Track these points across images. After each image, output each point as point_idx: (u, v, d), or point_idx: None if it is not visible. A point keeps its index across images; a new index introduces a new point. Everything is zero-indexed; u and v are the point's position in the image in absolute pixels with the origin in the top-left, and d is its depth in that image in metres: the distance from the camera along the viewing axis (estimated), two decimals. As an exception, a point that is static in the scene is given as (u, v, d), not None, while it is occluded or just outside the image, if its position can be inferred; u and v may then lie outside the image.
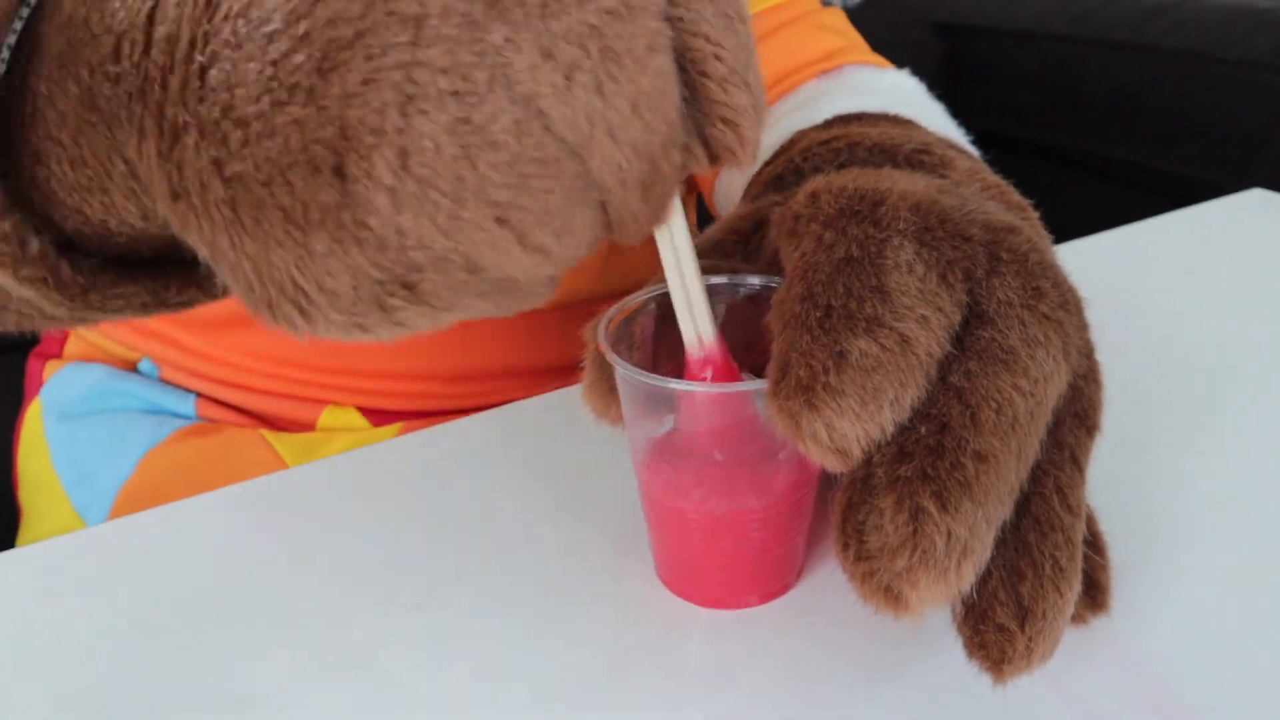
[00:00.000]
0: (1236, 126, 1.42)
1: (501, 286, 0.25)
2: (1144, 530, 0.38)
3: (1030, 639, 0.27)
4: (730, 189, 0.56)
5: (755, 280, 0.36)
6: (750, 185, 0.43)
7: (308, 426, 0.58)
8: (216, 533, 0.41)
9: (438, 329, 0.26)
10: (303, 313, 0.24)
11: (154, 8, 0.24)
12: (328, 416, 0.58)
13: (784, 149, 0.43)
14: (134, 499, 0.56)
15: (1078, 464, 0.30)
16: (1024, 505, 0.28)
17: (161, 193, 0.24)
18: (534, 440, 0.46)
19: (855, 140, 0.40)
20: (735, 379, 0.32)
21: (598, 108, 0.22)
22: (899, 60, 0.60)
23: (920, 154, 0.38)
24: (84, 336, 0.65)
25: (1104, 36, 1.58)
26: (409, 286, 0.24)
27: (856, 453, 0.27)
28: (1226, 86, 1.42)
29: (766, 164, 0.43)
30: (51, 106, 0.25)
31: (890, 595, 0.26)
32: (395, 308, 0.24)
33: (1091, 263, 0.62)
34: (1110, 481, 0.41)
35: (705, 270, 0.35)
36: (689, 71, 0.24)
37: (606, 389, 0.34)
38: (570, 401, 0.48)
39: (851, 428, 0.26)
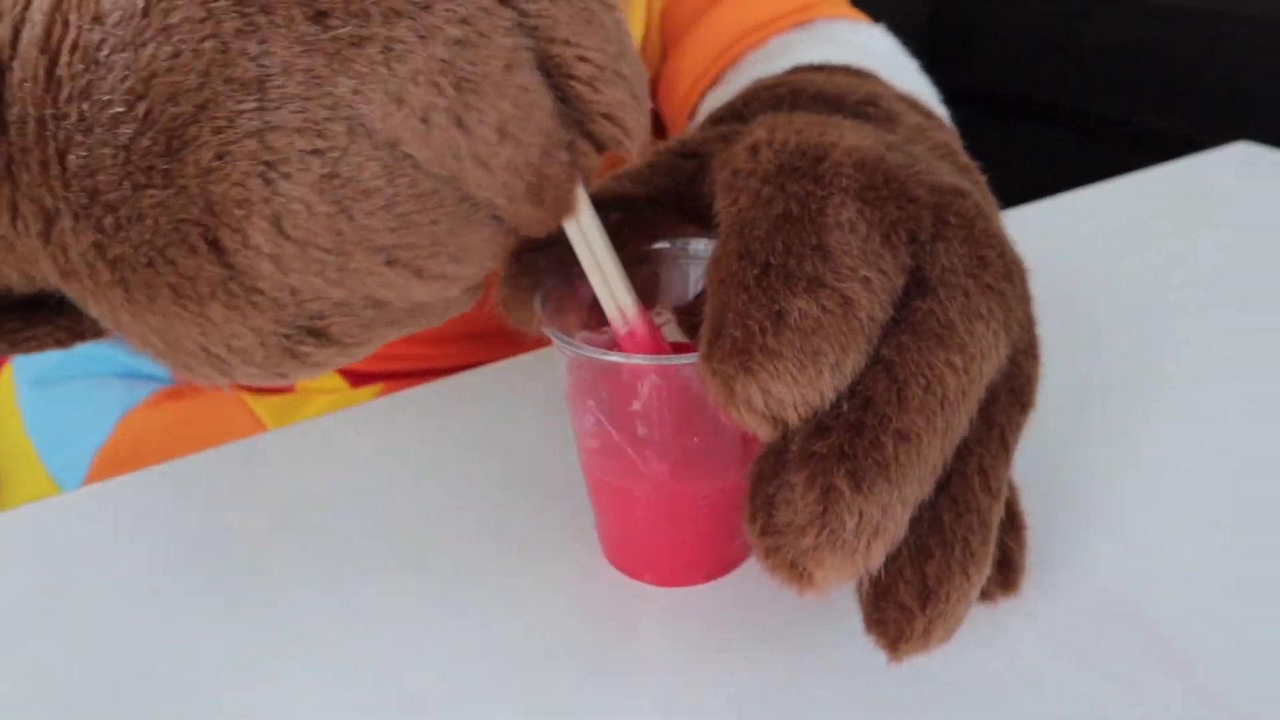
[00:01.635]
0: (1231, 83, 1.41)
1: (414, 312, 0.26)
2: (1117, 459, 0.38)
3: (930, 620, 0.26)
4: None
5: (700, 243, 0.34)
6: (697, 128, 0.41)
7: (286, 388, 0.57)
8: (198, 496, 0.40)
9: (359, 360, 0.27)
10: (220, 370, 0.25)
11: (1, 87, 0.23)
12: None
13: (731, 99, 0.41)
14: (111, 463, 0.55)
15: (1005, 443, 0.29)
16: (944, 482, 0.27)
17: (51, 272, 0.24)
18: (515, 402, 0.45)
19: (800, 88, 0.38)
20: (657, 345, 0.31)
21: (461, 143, 0.22)
22: (885, 15, 0.59)
23: (866, 105, 0.37)
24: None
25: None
26: (317, 334, 0.24)
27: (793, 421, 0.25)
28: (1220, 42, 1.41)
29: (712, 112, 0.41)
30: None
31: (795, 571, 0.25)
32: (307, 354, 0.25)
33: (1070, 219, 0.62)
34: (1088, 412, 0.40)
35: (644, 227, 0.34)
36: (555, 77, 0.24)
37: (523, 297, 0.33)
38: (549, 362, 0.48)
39: (789, 393, 0.25)
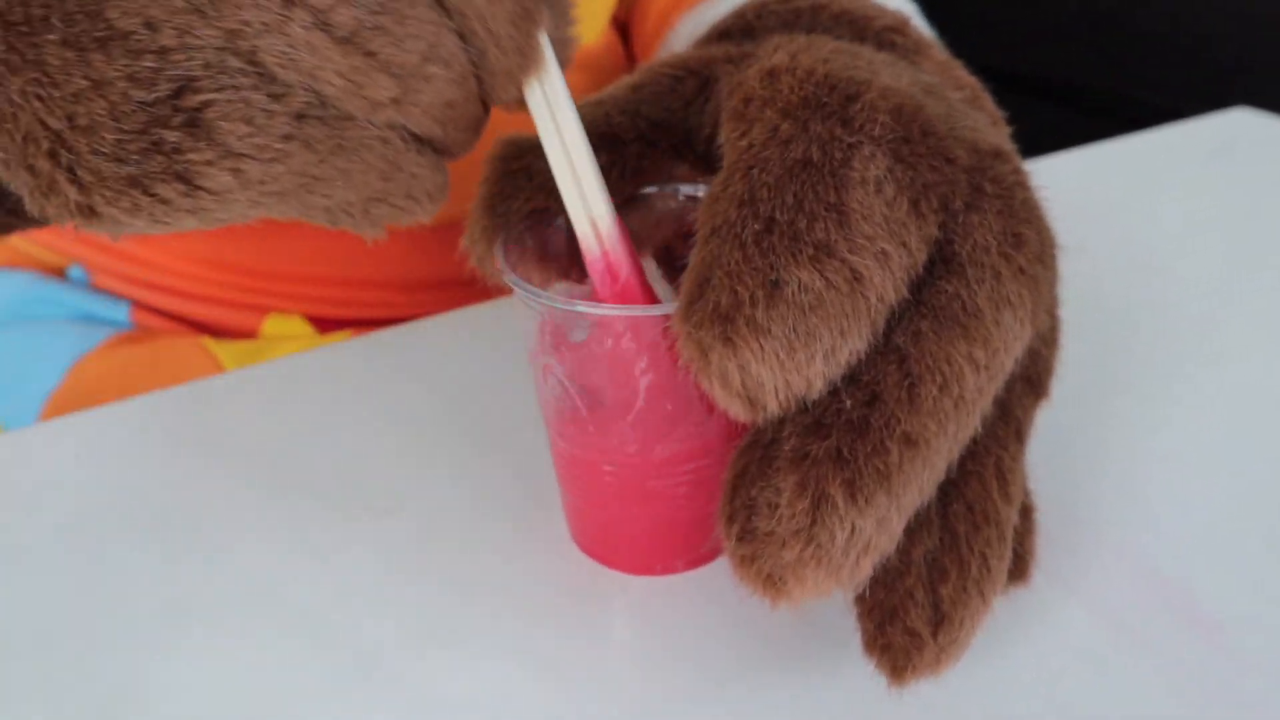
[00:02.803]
0: (1214, 52, 1.40)
1: (341, 145, 0.21)
2: (1155, 442, 0.36)
3: (942, 649, 0.23)
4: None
5: (690, 187, 0.31)
6: (696, 45, 0.36)
7: (251, 334, 0.55)
8: (155, 436, 0.38)
9: (263, 210, 0.21)
10: (71, 178, 0.19)
11: None
12: (272, 324, 0.54)
13: (738, 10, 0.36)
14: (63, 409, 0.52)
15: (1021, 440, 0.27)
16: (957, 486, 0.24)
17: None
18: (488, 349, 0.43)
19: (821, 3, 0.33)
20: (642, 288, 0.26)
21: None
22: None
23: (894, 32, 0.33)
24: (5, 242, 0.60)
25: (1078, -39, 1.55)
26: (191, 123, 0.19)
27: (772, 406, 0.22)
28: (1203, 10, 1.40)
29: (714, 25, 0.37)
30: None
31: (771, 583, 0.22)
32: (179, 157, 0.19)
33: (1068, 179, 0.60)
34: (1121, 390, 0.39)
35: (633, 172, 0.30)
36: None
37: (490, 246, 0.29)
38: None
39: (771, 376, 0.21)
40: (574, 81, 0.54)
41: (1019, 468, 0.26)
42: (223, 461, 0.36)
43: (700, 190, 0.31)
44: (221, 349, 0.53)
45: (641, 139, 0.30)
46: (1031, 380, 0.28)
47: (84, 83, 0.19)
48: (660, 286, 0.32)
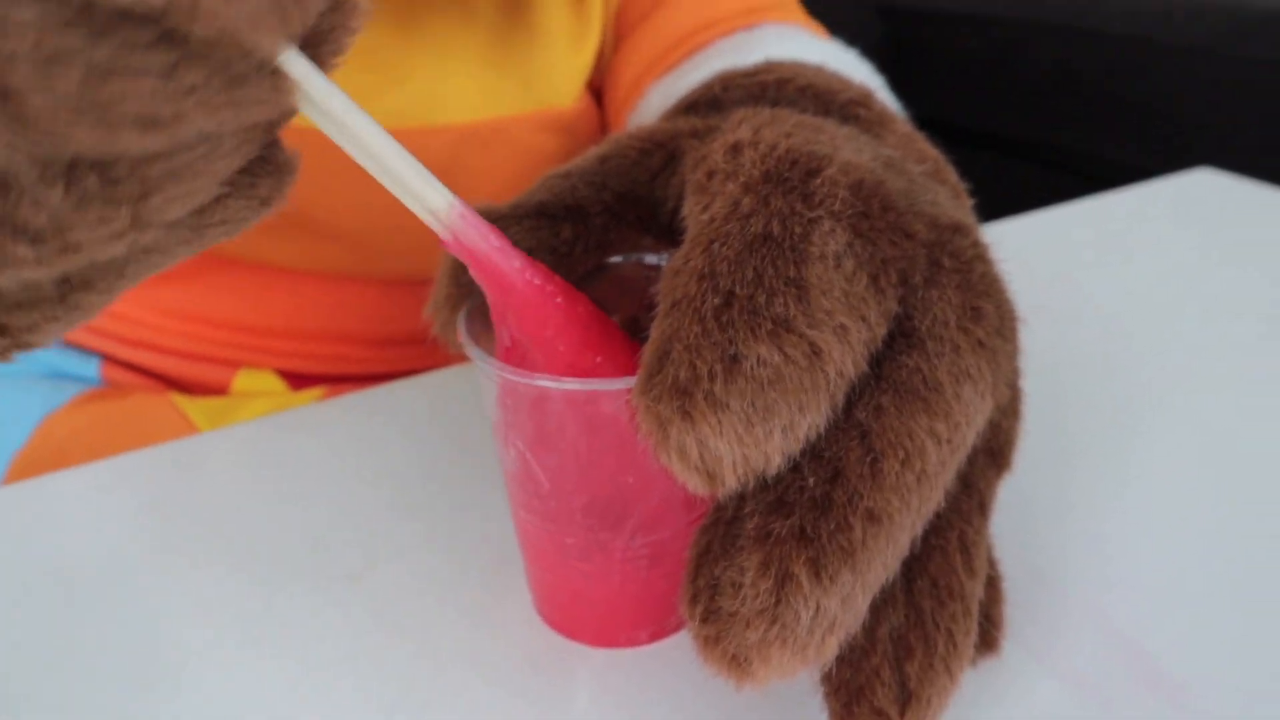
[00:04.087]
0: (1178, 113, 1.43)
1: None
2: (1119, 503, 0.37)
3: None
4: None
5: (655, 257, 0.31)
6: (663, 118, 0.37)
7: (221, 390, 0.54)
8: (123, 498, 0.38)
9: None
10: None
11: None
12: (243, 380, 0.54)
13: (705, 83, 0.36)
14: (30, 468, 0.52)
15: (984, 512, 0.27)
16: (921, 561, 0.24)
17: None
18: (459, 409, 0.43)
19: (785, 77, 0.34)
20: (551, 295, 0.25)
21: None
22: (836, 40, 0.58)
23: (858, 105, 0.33)
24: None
25: (1044, 20, 1.59)
26: None
27: (730, 481, 0.21)
28: (1168, 73, 1.43)
29: (682, 98, 0.37)
30: None
31: (736, 663, 0.21)
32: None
33: (1032, 239, 0.61)
34: (1084, 451, 0.39)
35: (599, 245, 0.29)
36: None
37: (453, 317, 0.28)
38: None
39: (730, 451, 0.21)
40: (552, 144, 0.54)
41: (983, 540, 0.26)
42: (190, 526, 0.36)
43: (665, 261, 0.31)
44: (192, 406, 0.52)
45: (608, 211, 0.30)
46: (993, 452, 0.28)
47: None
48: None
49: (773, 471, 0.22)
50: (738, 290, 0.22)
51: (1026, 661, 0.29)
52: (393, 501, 0.37)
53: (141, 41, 0.17)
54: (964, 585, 0.24)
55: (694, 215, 0.26)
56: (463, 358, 0.46)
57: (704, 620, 0.22)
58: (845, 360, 0.22)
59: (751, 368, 0.21)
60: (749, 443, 0.21)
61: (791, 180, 0.25)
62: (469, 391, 0.44)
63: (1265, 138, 1.35)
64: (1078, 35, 1.54)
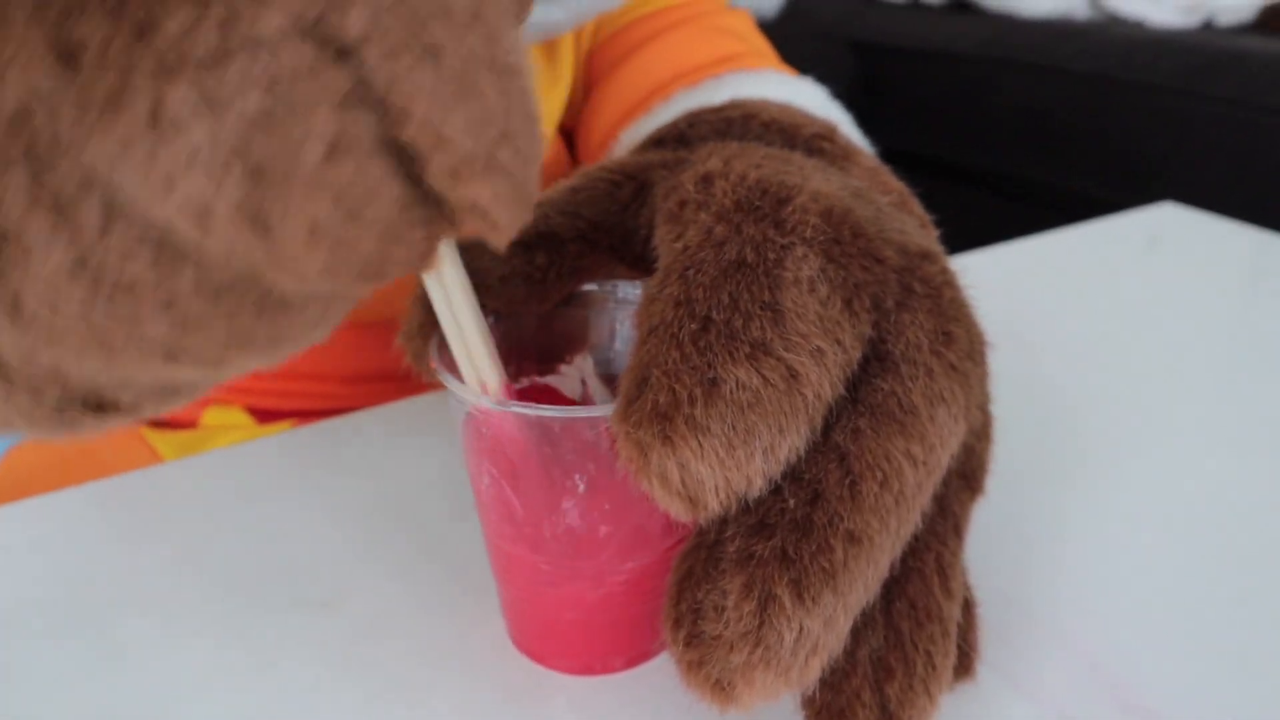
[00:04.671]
0: (1141, 148, 1.46)
1: (230, 377, 0.21)
2: (1088, 530, 0.37)
3: None
4: None
5: (628, 286, 0.31)
6: (632, 152, 0.37)
7: (190, 424, 0.54)
8: (89, 529, 0.37)
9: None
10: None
11: None
12: (212, 415, 0.54)
13: (673, 121, 0.37)
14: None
15: (959, 534, 0.27)
16: (899, 584, 0.25)
17: None
18: (428, 440, 0.43)
19: (751, 112, 0.34)
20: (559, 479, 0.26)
21: (257, 246, 0.17)
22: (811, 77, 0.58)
23: (822, 139, 0.34)
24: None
25: (1012, 58, 1.62)
26: (99, 406, 0.20)
27: (713, 505, 0.22)
28: (1131, 109, 1.46)
29: (649, 134, 0.38)
30: None
31: (720, 688, 0.21)
32: (92, 424, 0.20)
33: (1001, 273, 0.62)
34: (1052, 478, 0.39)
35: (572, 271, 0.30)
36: (407, 162, 0.18)
37: (425, 344, 0.29)
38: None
39: (711, 474, 0.21)
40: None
41: (958, 563, 0.27)
42: (158, 554, 0.36)
43: (638, 289, 0.31)
44: (160, 439, 0.52)
45: (581, 238, 0.31)
46: (966, 476, 0.28)
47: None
48: (594, 384, 0.33)
49: (754, 494, 0.22)
50: (714, 315, 0.22)
51: (999, 685, 0.29)
52: (362, 531, 0.37)
53: (419, 219, 0.18)
54: (942, 607, 0.25)
55: (666, 243, 0.26)
56: (433, 387, 0.46)
57: (687, 645, 0.22)
58: (822, 383, 0.22)
59: (731, 391, 0.21)
60: (730, 465, 0.21)
61: (763, 209, 0.25)
62: (438, 421, 0.44)
63: (1225, 173, 1.38)
64: (1045, 72, 1.57)
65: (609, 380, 0.33)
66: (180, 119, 0.15)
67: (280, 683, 0.30)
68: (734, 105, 0.36)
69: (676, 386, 0.22)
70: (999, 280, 0.60)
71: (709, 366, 0.22)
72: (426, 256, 0.20)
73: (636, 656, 0.30)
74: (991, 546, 0.35)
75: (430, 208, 0.18)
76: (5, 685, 0.30)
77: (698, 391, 0.21)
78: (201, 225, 0.16)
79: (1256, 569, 0.35)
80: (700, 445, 0.21)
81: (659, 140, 0.36)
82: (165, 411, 0.22)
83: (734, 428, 0.21)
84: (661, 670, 0.30)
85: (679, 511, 0.22)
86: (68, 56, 0.15)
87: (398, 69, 0.17)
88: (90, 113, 0.15)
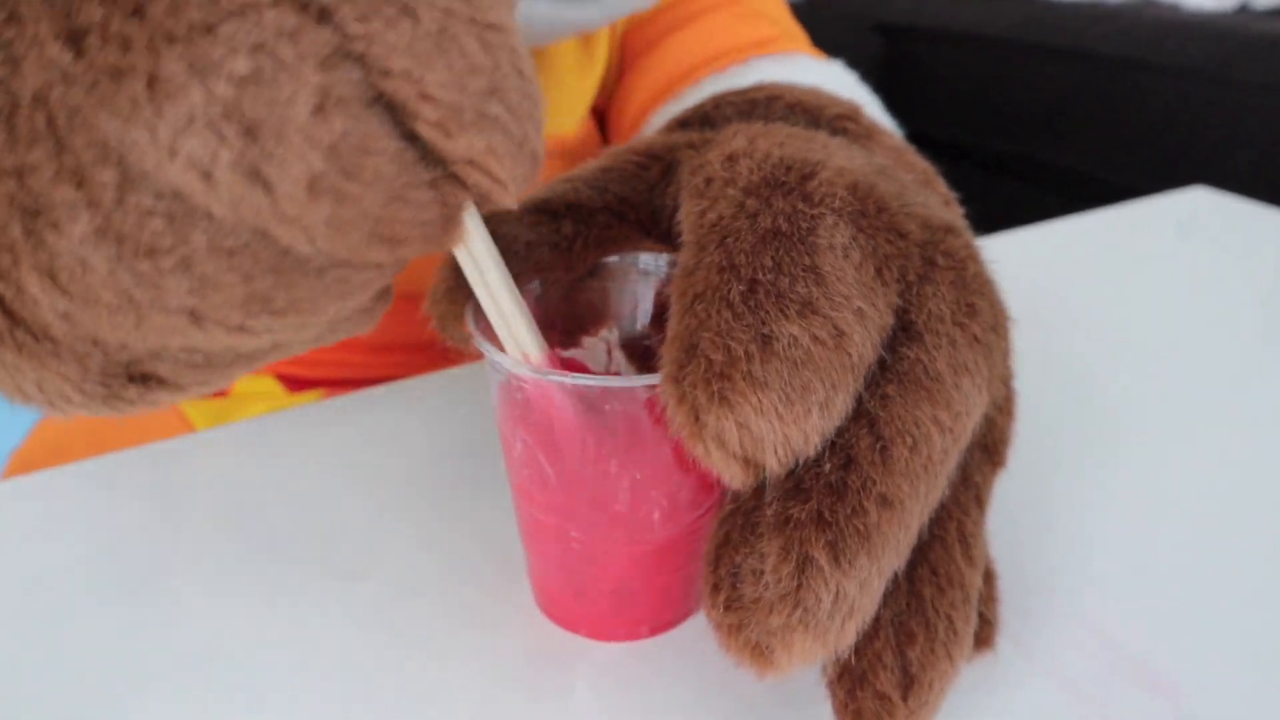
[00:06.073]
0: (1172, 134, 1.44)
1: (274, 349, 0.22)
2: (1114, 510, 0.37)
3: (912, 712, 0.23)
4: None
5: (649, 257, 0.31)
6: (658, 133, 0.37)
7: (220, 392, 0.55)
8: (120, 496, 0.38)
9: (221, 386, 0.23)
10: (47, 407, 0.22)
11: None
12: (242, 383, 0.54)
13: (699, 103, 0.38)
14: (27, 466, 0.52)
15: (981, 505, 0.27)
16: (922, 551, 0.25)
17: None
18: (458, 411, 0.43)
19: (775, 94, 0.35)
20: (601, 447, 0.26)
21: (260, 201, 0.18)
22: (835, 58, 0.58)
23: (845, 119, 0.34)
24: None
25: (1041, 42, 1.60)
26: (141, 378, 0.21)
27: (772, 464, 0.22)
28: (1163, 94, 1.45)
29: (675, 116, 0.38)
30: None
31: (758, 652, 0.22)
32: (135, 398, 0.22)
33: (1027, 254, 0.62)
34: (1080, 460, 0.39)
35: (600, 241, 0.30)
36: (399, 115, 0.19)
37: (456, 311, 0.29)
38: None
39: (771, 431, 0.21)
40: (551, 168, 0.55)
41: (980, 532, 0.27)
42: (189, 524, 0.36)
43: (661, 261, 0.31)
44: (191, 406, 0.53)
45: (609, 210, 0.31)
46: (988, 448, 0.29)
47: (47, 375, 0.21)
48: (619, 356, 0.33)
49: (810, 452, 0.22)
50: (760, 277, 0.23)
51: (1018, 660, 0.30)
52: (392, 499, 0.37)
53: (424, 180, 0.20)
54: (963, 573, 0.25)
55: (692, 218, 0.26)
56: (461, 358, 0.47)
57: (727, 609, 0.22)
58: (866, 343, 0.23)
59: (784, 347, 0.22)
60: (789, 421, 0.21)
61: (789, 184, 0.25)
62: (468, 392, 0.45)
63: (1256, 159, 1.36)
64: (1074, 56, 1.56)
65: (632, 352, 0.33)
66: (175, 85, 0.17)
67: (314, 646, 0.31)
68: (758, 88, 0.36)
69: (731, 344, 0.22)
70: (1025, 263, 0.60)
71: (762, 323, 0.22)
72: (446, 224, 0.20)
73: (662, 624, 0.31)
74: (1014, 525, 0.35)
75: (432, 166, 0.20)
76: (45, 649, 0.31)
77: (753, 348, 0.22)
78: (207, 184, 0.18)
79: (1278, 551, 0.35)
80: (760, 401, 0.21)
81: (684, 122, 0.36)
82: (208, 390, 0.23)
83: (790, 383, 0.21)
84: (685, 637, 0.31)
85: (735, 475, 0.22)
86: (75, 39, 0.17)
87: (374, 27, 0.18)
88: (98, 88, 0.17)
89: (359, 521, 0.36)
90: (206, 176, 0.18)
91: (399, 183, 0.19)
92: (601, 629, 0.31)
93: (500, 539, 0.35)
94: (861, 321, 0.23)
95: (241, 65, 0.17)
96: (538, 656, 0.30)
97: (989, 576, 0.29)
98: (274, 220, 0.18)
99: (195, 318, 0.20)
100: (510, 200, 0.21)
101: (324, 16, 0.18)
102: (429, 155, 0.19)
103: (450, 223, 0.21)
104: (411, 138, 0.19)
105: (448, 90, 0.19)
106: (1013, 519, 0.35)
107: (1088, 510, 0.37)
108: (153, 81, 0.17)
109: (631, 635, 0.31)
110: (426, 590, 0.33)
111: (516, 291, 0.25)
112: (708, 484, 0.27)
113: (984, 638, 0.28)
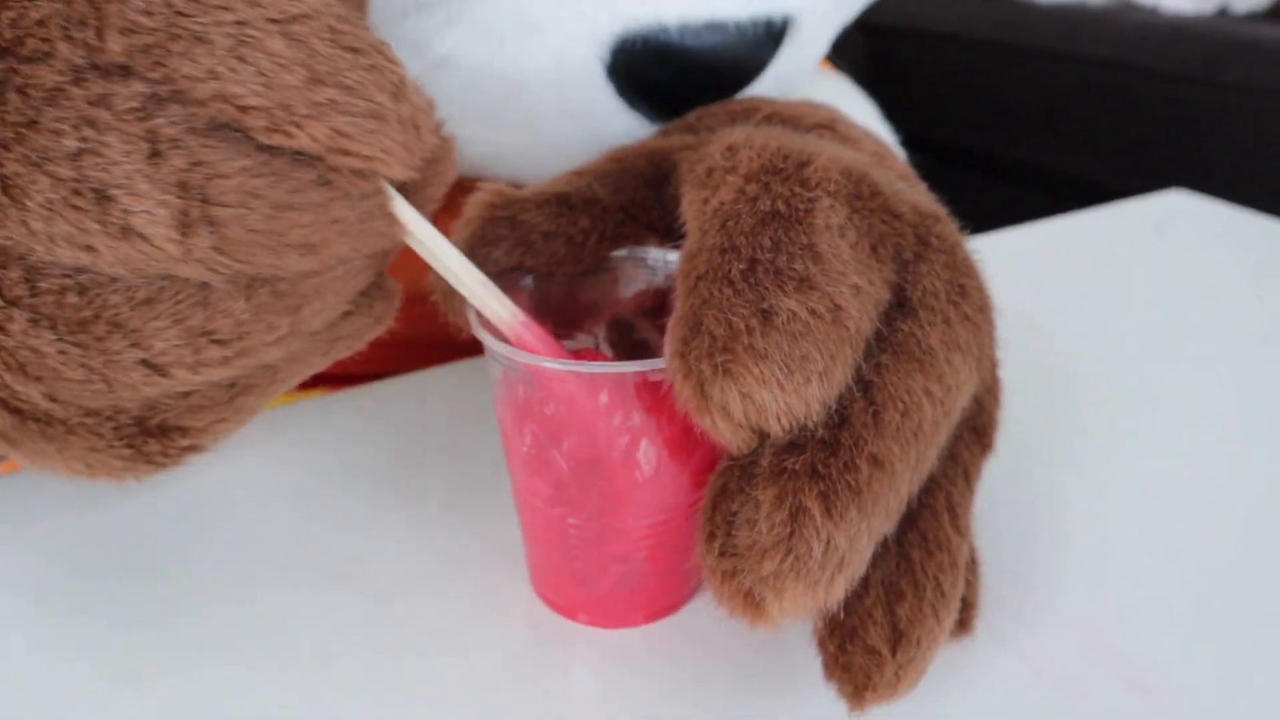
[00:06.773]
0: (1154, 135, 1.46)
1: (267, 374, 0.25)
2: (1095, 508, 0.38)
3: (900, 666, 0.24)
4: None
5: (655, 252, 0.33)
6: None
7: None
8: (105, 493, 0.38)
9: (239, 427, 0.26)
10: (109, 477, 0.25)
11: None
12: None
13: (683, 117, 0.39)
14: (15, 463, 0.52)
15: (969, 481, 0.29)
16: (911, 518, 0.26)
17: None
18: (455, 408, 0.44)
19: (754, 106, 0.37)
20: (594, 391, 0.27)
21: (143, 252, 0.20)
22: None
23: (824, 128, 0.36)
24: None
25: (1025, 44, 1.61)
26: (159, 431, 0.24)
27: (776, 431, 0.23)
28: (1145, 96, 1.46)
29: (661, 129, 0.40)
30: None
31: (750, 601, 0.23)
32: (163, 451, 0.25)
33: (1009, 255, 0.63)
34: (1062, 459, 0.41)
35: (612, 238, 0.32)
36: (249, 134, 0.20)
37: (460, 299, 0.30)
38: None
39: (773, 400, 0.23)
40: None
41: (967, 505, 0.28)
42: (178, 518, 0.37)
43: (667, 255, 0.33)
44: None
45: (622, 209, 0.32)
46: (977, 430, 0.30)
47: (79, 453, 0.24)
48: (606, 351, 0.34)
49: (813, 420, 0.24)
50: (759, 256, 0.24)
51: (998, 651, 0.31)
52: (386, 494, 0.38)
53: (306, 181, 0.20)
54: (950, 539, 0.26)
55: (695, 205, 0.28)
56: (460, 354, 0.48)
57: (721, 554, 0.23)
58: (861, 317, 0.24)
59: (784, 321, 0.23)
60: (790, 390, 0.23)
61: (787, 170, 0.27)
62: (461, 387, 0.45)
63: (1240, 161, 1.37)
64: (1058, 58, 1.57)
65: (621, 347, 0.34)
66: (23, 181, 0.19)
67: (315, 638, 0.31)
68: (738, 101, 0.38)
69: (733, 318, 0.23)
70: (1006, 263, 0.61)
71: (761, 299, 0.23)
72: (363, 217, 0.22)
73: (659, 611, 0.32)
74: (998, 523, 0.36)
75: (304, 168, 0.20)
76: (29, 644, 0.31)
77: (754, 321, 0.23)
78: (92, 253, 0.20)
79: (1260, 552, 0.36)
80: (762, 371, 0.23)
81: (670, 133, 0.37)
82: (230, 429, 0.25)
83: (790, 354, 0.23)
84: (678, 627, 0.32)
85: (741, 445, 0.24)
86: None
87: (172, 64, 0.19)
88: None
89: (352, 514, 0.37)
90: (88, 248, 0.20)
91: (279, 191, 0.20)
92: (602, 615, 0.32)
93: (498, 529, 0.36)
94: (858, 296, 0.24)
95: (70, 143, 0.19)
96: (538, 644, 0.31)
97: (972, 562, 0.30)
98: (168, 263, 0.20)
99: (151, 367, 0.21)
100: (398, 173, 0.22)
101: (126, 72, 0.19)
102: (301, 156, 0.20)
103: (367, 216, 0.22)
104: (267, 148, 0.20)
105: (264, 95, 0.19)
106: (994, 512, 0.36)
107: (1066, 505, 0.38)
108: (5, 186, 0.19)
109: (629, 622, 0.32)
110: (423, 581, 0.34)
111: (478, 270, 0.26)
112: (711, 464, 0.28)
113: (963, 621, 0.29)
